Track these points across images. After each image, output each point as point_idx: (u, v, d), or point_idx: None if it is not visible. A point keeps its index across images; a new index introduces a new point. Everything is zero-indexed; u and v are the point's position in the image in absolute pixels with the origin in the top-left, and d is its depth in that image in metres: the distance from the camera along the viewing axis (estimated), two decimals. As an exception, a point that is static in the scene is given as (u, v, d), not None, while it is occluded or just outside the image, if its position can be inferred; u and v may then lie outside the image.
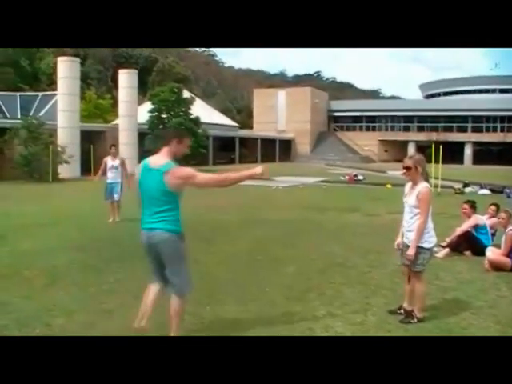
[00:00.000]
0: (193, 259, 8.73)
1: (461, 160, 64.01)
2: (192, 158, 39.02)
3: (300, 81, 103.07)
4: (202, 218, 14.01)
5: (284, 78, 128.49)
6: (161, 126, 38.50)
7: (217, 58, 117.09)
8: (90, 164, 31.75)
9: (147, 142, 37.39)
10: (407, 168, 5.71)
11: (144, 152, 36.88)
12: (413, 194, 5.71)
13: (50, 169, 27.89)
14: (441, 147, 23.39)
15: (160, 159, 4.90)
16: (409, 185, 5.87)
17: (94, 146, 32.74)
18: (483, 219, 9.78)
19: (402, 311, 5.97)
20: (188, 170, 4.92)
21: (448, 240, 9.59)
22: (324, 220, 13.86)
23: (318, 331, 5.36)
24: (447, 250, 9.44)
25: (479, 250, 9.21)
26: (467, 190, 24.17)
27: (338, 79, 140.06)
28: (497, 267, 8.27)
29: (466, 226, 9.64)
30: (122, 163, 13.85)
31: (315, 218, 14.28)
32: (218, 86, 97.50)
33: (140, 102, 44.10)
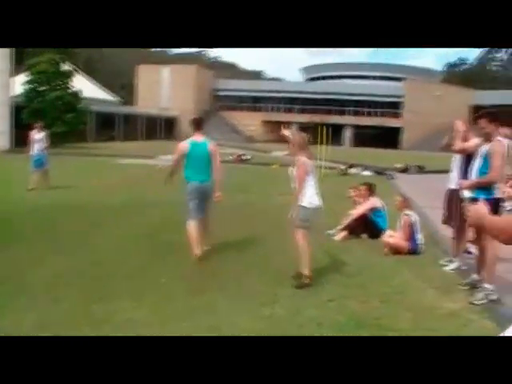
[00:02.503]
0: (81, 248, 7.97)
1: (340, 142, 65.97)
2: (71, 134, 37.18)
3: (184, 58, 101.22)
4: (88, 199, 13.06)
5: (168, 54, 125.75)
6: (39, 99, 36.16)
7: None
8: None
9: (25, 116, 34.94)
10: (301, 143, 6.80)
11: (21, 127, 34.55)
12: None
13: None
14: (325, 129, 23.59)
15: (202, 137, 7.87)
16: None
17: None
18: (380, 202, 9.70)
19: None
20: None
21: (345, 223, 9.44)
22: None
23: (223, 329, 4.85)
24: (345, 232, 9.29)
25: (376, 233, 9.12)
26: (351, 171, 24.68)
27: (223, 59, 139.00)
28: (395, 250, 8.20)
29: (363, 209, 9.51)
30: (46, 136, 15.67)
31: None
32: (100, 60, 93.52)
33: (16, 73, 41.23)
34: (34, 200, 12.74)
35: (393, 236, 8.47)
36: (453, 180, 7.47)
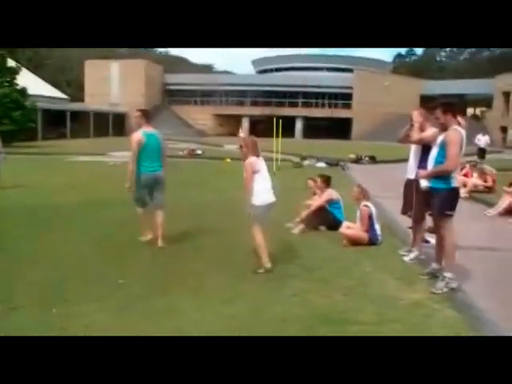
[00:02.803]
0: (36, 251, 7.65)
1: (292, 134, 66.14)
2: (19, 132, 36.09)
3: (133, 53, 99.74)
4: (37, 199, 12.65)
5: (116, 49, 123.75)
6: (-18, 98, 34.96)
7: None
8: None
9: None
10: (240, 146, 7.23)
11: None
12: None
13: None
14: (279, 122, 23.53)
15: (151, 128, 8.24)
16: None
17: None
18: (336, 194, 9.70)
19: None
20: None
21: (303, 215, 9.41)
22: (167, 198, 13.13)
23: (187, 329, 4.72)
24: (302, 225, 9.26)
25: (334, 225, 9.12)
26: (305, 163, 24.76)
27: (172, 53, 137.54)
28: (354, 242, 8.20)
29: (320, 201, 9.49)
30: None
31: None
32: (46, 56, 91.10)
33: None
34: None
35: (350, 227, 8.48)
36: (410, 170, 7.50)
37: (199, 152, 31.85)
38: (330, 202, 9.50)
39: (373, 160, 27.75)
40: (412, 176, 7.39)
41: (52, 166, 23.03)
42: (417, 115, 7.31)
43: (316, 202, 9.56)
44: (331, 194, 9.59)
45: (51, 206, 11.58)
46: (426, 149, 6.94)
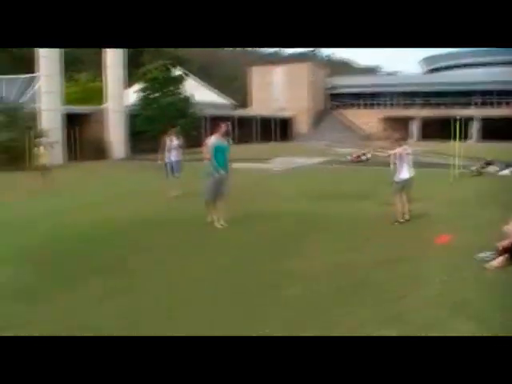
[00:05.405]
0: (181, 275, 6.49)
1: (466, 136, 61.41)
2: (185, 139, 36.62)
3: (296, 58, 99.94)
4: (180, 212, 11.76)
5: (279, 56, 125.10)
6: (152, 106, 35.96)
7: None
8: (74, 149, 29.70)
9: (139, 123, 34.88)
10: (398, 139, 10.87)
11: (135, 133, 34.59)
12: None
13: (27, 155, 24.99)
14: (456, 124, 20.81)
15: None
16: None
17: (79, 130, 30.57)
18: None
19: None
20: None
21: (504, 244, 7.29)
22: (333, 213, 11.55)
23: None
24: (504, 256, 7.14)
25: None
26: (490, 169, 21.36)
27: (335, 57, 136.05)
28: None
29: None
30: (182, 143, 15.75)
31: (322, 210, 12.01)
32: (213, 66, 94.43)
33: (132, 84, 41.76)
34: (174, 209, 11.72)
35: None
36: None
37: (367, 157, 29.01)
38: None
39: None
40: None
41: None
42: None
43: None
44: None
45: (191, 219, 10.53)
46: None
